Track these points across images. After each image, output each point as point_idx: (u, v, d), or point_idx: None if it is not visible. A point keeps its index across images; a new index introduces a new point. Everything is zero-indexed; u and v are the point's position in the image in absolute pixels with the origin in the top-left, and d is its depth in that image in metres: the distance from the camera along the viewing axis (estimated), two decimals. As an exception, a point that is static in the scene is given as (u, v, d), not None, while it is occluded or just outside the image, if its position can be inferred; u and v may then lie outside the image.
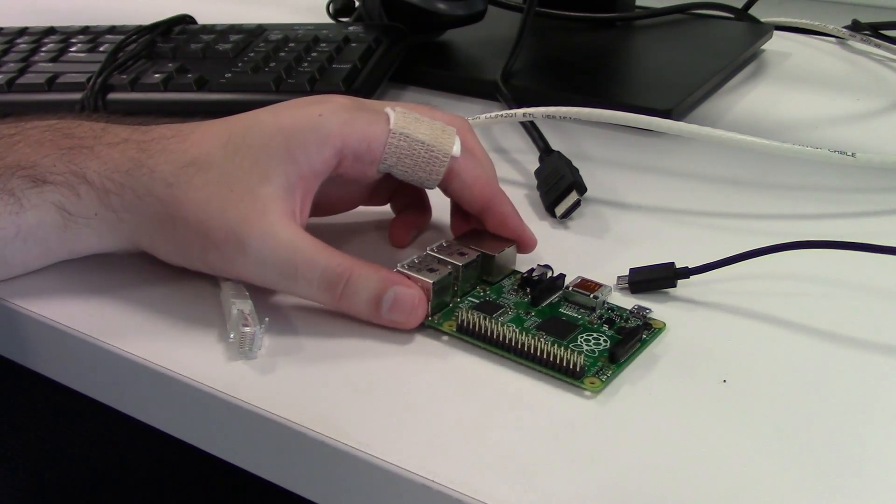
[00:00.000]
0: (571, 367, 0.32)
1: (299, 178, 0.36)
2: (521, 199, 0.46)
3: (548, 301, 0.36)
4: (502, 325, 0.34)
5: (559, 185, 0.44)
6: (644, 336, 0.34)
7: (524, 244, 0.39)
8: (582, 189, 0.44)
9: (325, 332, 0.36)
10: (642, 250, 0.41)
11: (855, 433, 0.30)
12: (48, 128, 0.38)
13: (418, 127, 0.37)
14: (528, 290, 0.37)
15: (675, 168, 0.49)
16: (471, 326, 0.34)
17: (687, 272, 0.37)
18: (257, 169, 0.35)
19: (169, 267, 0.40)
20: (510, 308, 0.36)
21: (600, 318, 0.35)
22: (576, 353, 0.32)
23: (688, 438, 0.30)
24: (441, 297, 0.36)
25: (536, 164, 0.47)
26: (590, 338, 0.34)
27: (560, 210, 0.44)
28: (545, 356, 0.33)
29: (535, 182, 0.47)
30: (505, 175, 0.49)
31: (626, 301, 0.37)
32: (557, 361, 0.32)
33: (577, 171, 0.45)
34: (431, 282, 0.35)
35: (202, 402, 0.33)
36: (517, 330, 0.34)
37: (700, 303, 0.37)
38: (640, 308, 0.36)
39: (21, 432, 0.61)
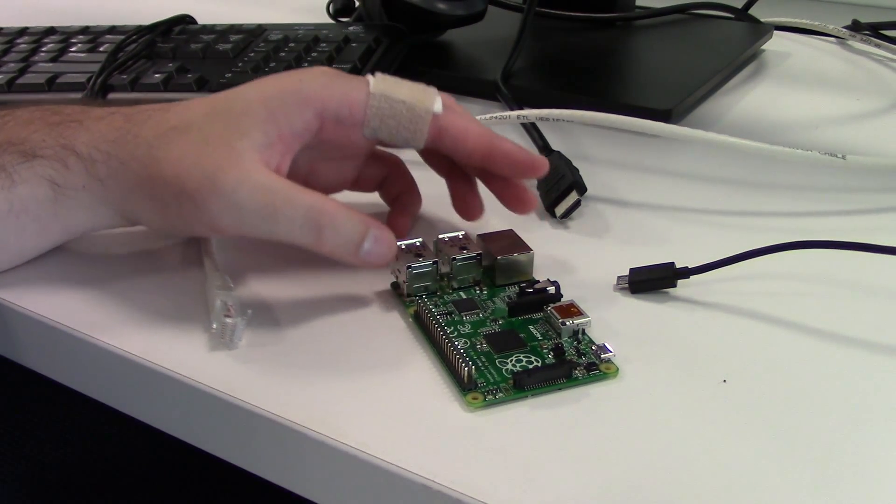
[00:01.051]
0: (460, 376, 0.32)
1: (278, 137, 0.36)
2: (521, 199, 0.46)
3: (526, 315, 0.36)
4: (444, 324, 0.35)
5: (559, 185, 0.44)
6: (578, 375, 0.33)
7: (536, 170, 0.39)
8: (582, 189, 0.44)
9: (324, 331, 0.36)
10: (642, 250, 0.41)
11: (855, 433, 0.30)
12: (37, 108, 0.39)
13: (398, 88, 0.38)
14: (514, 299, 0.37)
15: (676, 168, 0.49)
16: (421, 317, 0.35)
17: (687, 272, 0.37)
18: (237, 126, 0.36)
19: (161, 263, 0.40)
20: (483, 312, 0.36)
21: (555, 345, 0.34)
22: (465, 367, 0.32)
23: (688, 438, 0.30)
24: (420, 282, 0.37)
25: (536, 164, 0.47)
26: (524, 359, 0.34)
27: (560, 210, 0.44)
28: (448, 360, 0.33)
29: (534, 182, 0.47)
30: (505, 175, 0.49)
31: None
32: (455, 368, 0.33)
33: (577, 171, 0.45)
34: (406, 265, 0.37)
35: (201, 401, 0.33)
36: (451, 331, 0.35)
37: (700, 303, 0.37)
38: (604, 348, 0.34)
39: (21, 432, 0.61)
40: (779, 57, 0.66)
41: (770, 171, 0.48)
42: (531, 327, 0.35)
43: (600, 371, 0.33)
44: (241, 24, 0.61)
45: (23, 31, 0.63)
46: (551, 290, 0.36)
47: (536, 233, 0.40)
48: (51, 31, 0.63)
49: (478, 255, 0.38)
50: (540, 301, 0.36)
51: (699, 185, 0.47)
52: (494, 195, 0.41)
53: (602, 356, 0.33)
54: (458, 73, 0.61)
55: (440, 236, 0.39)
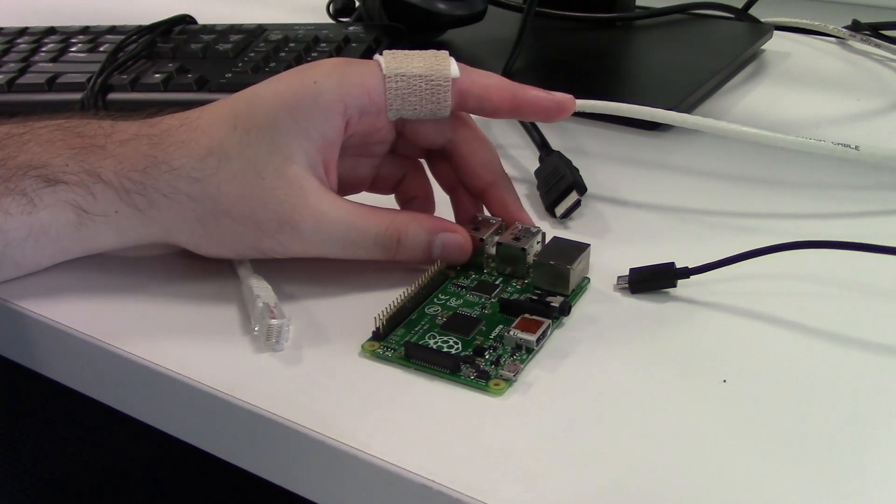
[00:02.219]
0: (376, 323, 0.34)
1: (317, 151, 0.37)
2: (521, 199, 0.46)
3: (514, 317, 0.35)
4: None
5: (559, 185, 0.44)
6: (464, 374, 0.33)
7: (564, 110, 0.40)
8: (582, 189, 0.44)
9: (324, 331, 0.36)
10: (642, 250, 0.41)
11: (855, 433, 0.30)
12: (57, 127, 0.38)
13: (411, 62, 0.38)
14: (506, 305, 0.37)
15: (676, 167, 0.49)
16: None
17: (687, 272, 0.37)
18: (277, 151, 0.36)
19: (169, 266, 0.40)
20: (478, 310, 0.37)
21: (477, 345, 0.34)
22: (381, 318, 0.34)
23: (688, 438, 0.30)
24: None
25: (536, 164, 0.47)
26: (452, 342, 0.34)
27: (560, 210, 0.44)
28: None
29: (535, 182, 0.47)
30: (505, 175, 0.49)
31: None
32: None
33: (577, 170, 0.45)
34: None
35: (202, 402, 0.33)
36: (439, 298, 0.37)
37: (700, 303, 0.37)
38: (512, 367, 0.33)
39: (21, 432, 0.61)
40: (779, 57, 0.66)
41: (770, 170, 0.48)
42: (502, 326, 0.35)
43: (486, 383, 0.32)
44: (241, 24, 0.61)
45: (23, 31, 0.63)
46: (554, 304, 0.36)
47: (536, 233, 0.40)
48: (51, 31, 0.63)
49: (522, 249, 0.38)
50: (530, 309, 0.36)
51: (700, 184, 0.47)
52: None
53: (501, 372, 0.33)
54: (458, 73, 0.61)
55: (516, 224, 0.40)
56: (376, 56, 0.38)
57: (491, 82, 0.39)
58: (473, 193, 0.41)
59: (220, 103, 0.38)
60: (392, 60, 0.38)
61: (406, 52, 0.38)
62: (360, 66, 0.38)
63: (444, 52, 0.39)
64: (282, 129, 0.36)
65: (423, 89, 0.38)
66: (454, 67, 0.38)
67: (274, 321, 0.34)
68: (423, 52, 0.39)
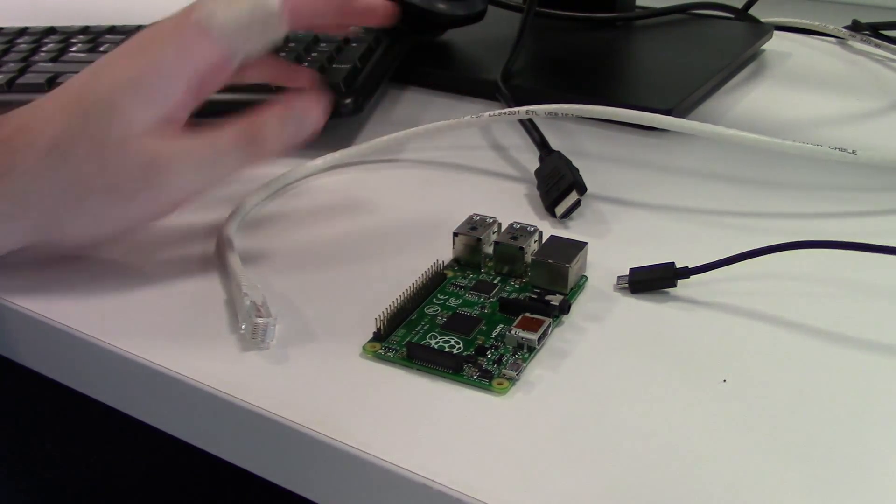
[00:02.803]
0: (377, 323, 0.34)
1: (161, 119, 0.37)
2: (520, 199, 0.46)
3: (514, 316, 0.35)
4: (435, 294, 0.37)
5: (559, 185, 0.44)
6: (467, 374, 0.33)
7: (388, 16, 0.43)
8: (582, 189, 0.44)
9: (324, 331, 0.36)
10: (642, 250, 0.41)
11: (855, 433, 0.30)
12: None
13: (232, 9, 0.38)
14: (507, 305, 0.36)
15: (676, 167, 0.49)
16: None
17: (687, 272, 0.37)
18: (121, 124, 0.37)
19: (166, 265, 0.40)
20: (477, 308, 0.37)
21: (479, 344, 0.34)
22: (383, 318, 0.34)
23: (688, 438, 0.30)
24: (466, 255, 0.39)
25: (536, 164, 0.47)
26: (453, 342, 0.34)
27: (560, 210, 0.44)
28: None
29: (535, 182, 0.47)
30: (505, 175, 0.49)
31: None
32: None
33: (577, 170, 0.45)
34: (453, 232, 0.39)
35: (202, 401, 0.33)
36: (438, 298, 0.37)
37: (700, 303, 0.37)
38: (515, 366, 0.33)
39: (21, 432, 0.61)
40: (779, 57, 0.66)
41: (770, 171, 0.48)
42: (503, 325, 0.35)
43: (489, 383, 0.32)
44: (241, 24, 0.61)
45: (23, 31, 0.63)
46: (554, 303, 0.36)
47: (536, 233, 0.40)
48: (51, 31, 0.63)
49: (520, 248, 0.38)
50: (531, 308, 0.36)
51: (700, 184, 0.47)
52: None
53: (504, 372, 0.33)
54: (458, 73, 0.61)
55: (513, 223, 0.40)
56: (197, 18, 0.38)
57: None
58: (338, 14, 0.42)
59: (61, 89, 0.39)
60: (225, 23, 0.38)
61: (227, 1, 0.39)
62: (195, 33, 0.38)
63: None
64: (124, 106, 0.37)
65: (257, 31, 0.39)
66: None
67: (260, 319, 0.34)
68: None
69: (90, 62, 0.56)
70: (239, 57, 0.39)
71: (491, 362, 0.33)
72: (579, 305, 0.37)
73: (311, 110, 0.39)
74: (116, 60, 0.39)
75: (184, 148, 0.37)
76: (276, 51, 0.56)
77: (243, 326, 0.35)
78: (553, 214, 0.44)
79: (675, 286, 0.38)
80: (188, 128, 0.39)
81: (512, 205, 0.45)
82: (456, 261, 0.40)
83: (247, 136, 0.38)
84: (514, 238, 0.39)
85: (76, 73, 0.54)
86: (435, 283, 0.38)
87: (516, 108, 0.49)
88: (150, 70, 0.38)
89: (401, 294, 0.36)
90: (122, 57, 0.39)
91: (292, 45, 0.57)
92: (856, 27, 0.68)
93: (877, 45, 0.66)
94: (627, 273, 0.38)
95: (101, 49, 0.58)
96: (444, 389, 0.33)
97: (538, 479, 0.28)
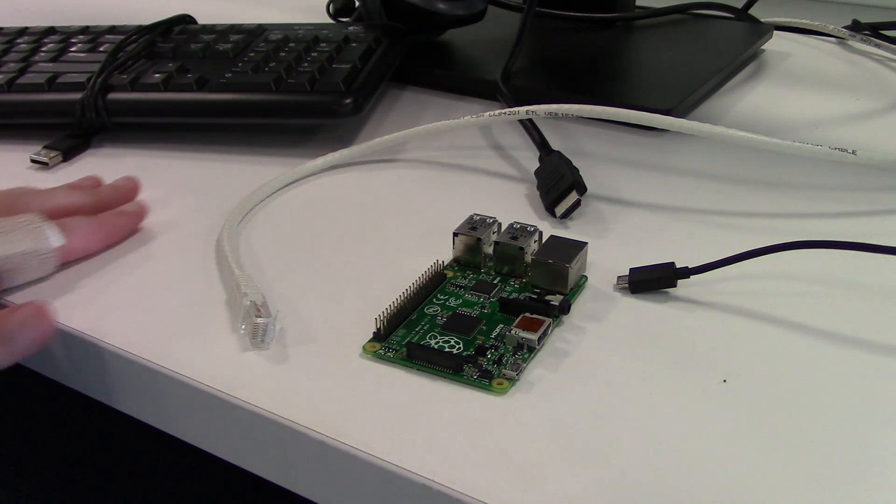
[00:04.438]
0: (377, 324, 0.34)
1: None
2: (520, 199, 0.46)
3: (514, 316, 0.35)
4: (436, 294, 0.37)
5: (559, 185, 0.44)
6: (467, 373, 0.33)
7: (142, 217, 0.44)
8: (582, 189, 0.44)
9: (324, 331, 0.36)
10: (642, 250, 0.41)
11: (855, 433, 0.30)
12: None
13: (14, 240, 0.38)
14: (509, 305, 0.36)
15: (676, 167, 0.49)
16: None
17: (687, 272, 0.37)
18: None
19: (166, 265, 0.40)
20: (477, 309, 0.36)
21: (479, 344, 0.34)
22: (383, 318, 0.34)
23: (688, 438, 0.30)
24: (466, 255, 0.39)
25: (536, 164, 0.47)
26: (453, 342, 0.34)
27: (560, 210, 0.44)
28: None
29: (535, 182, 0.47)
30: (505, 174, 0.49)
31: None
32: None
33: (577, 170, 0.45)
34: (452, 231, 0.39)
35: (203, 402, 0.33)
36: (438, 298, 0.37)
37: (700, 303, 0.37)
38: (515, 366, 0.33)
39: (21, 432, 0.61)
40: (779, 57, 0.66)
41: (770, 171, 0.48)
42: (503, 325, 0.35)
43: (489, 383, 0.32)
44: (241, 24, 0.61)
45: (23, 31, 0.63)
46: (554, 303, 0.36)
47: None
48: (51, 31, 0.63)
49: (520, 248, 0.38)
50: (531, 308, 0.36)
51: (700, 184, 0.47)
52: None
53: (504, 372, 0.33)
54: (458, 73, 0.61)
55: (513, 223, 0.40)
56: None
57: (83, 235, 0.41)
58: None
59: None
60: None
61: (2, 224, 0.38)
62: None
63: (38, 219, 0.39)
64: None
65: (31, 264, 0.38)
66: (55, 236, 0.39)
67: (260, 319, 0.34)
68: (20, 221, 0.39)
69: (90, 62, 0.56)
70: (3, 287, 0.38)
71: (491, 362, 0.33)
72: (579, 305, 0.37)
73: (26, 325, 0.36)
74: None
75: None
76: (276, 50, 0.56)
77: (243, 326, 0.35)
78: (553, 214, 0.44)
79: (675, 286, 0.38)
80: None
81: (512, 205, 0.45)
82: (456, 261, 0.40)
83: None
84: (514, 238, 0.39)
85: (76, 72, 0.55)
86: (435, 283, 0.38)
87: (516, 108, 0.49)
88: None
89: (401, 294, 0.36)
90: None
91: (292, 45, 0.57)
92: (856, 27, 0.68)
93: (877, 45, 0.66)
94: (627, 273, 0.38)
95: (101, 49, 0.58)
96: (444, 389, 0.33)
97: (538, 479, 0.28)
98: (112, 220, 0.43)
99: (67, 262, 0.40)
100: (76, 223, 0.41)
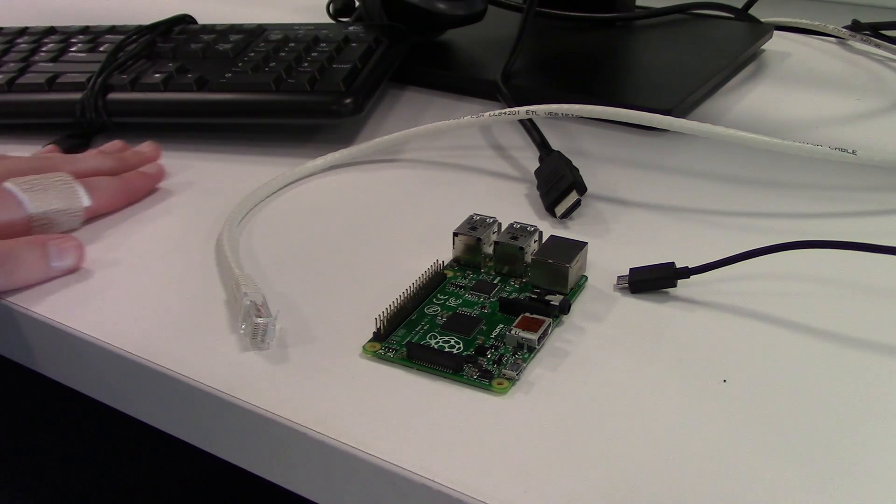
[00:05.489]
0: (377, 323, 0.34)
1: None
2: (520, 199, 0.46)
3: (514, 316, 0.35)
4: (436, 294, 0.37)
5: (559, 185, 0.44)
6: (467, 374, 0.33)
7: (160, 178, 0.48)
8: (582, 189, 0.44)
9: (324, 331, 0.36)
10: (642, 250, 0.41)
11: (855, 433, 0.30)
12: None
13: (48, 197, 0.41)
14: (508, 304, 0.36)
15: (676, 167, 0.49)
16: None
17: (687, 272, 0.37)
18: None
19: (166, 265, 0.40)
20: (478, 308, 0.36)
21: (479, 344, 0.34)
22: (383, 318, 0.34)
23: (688, 438, 0.30)
24: (466, 255, 0.39)
25: (536, 164, 0.47)
26: (453, 342, 0.34)
27: (560, 210, 0.44)
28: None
29: (535, 182, 0.47)
30: (505, 174, 0.49)
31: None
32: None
33: (577, 170, 0.45)
34: (453, 232, 0.40)
35: (202, 402, 0.33)
36: (438, 298, 0.37)
37: (700, 303, 0.37)
38: (515, 366, 0.33)
39: (21, 432, 0.61)
40: (779, 57, 0.66)
41: (770, 171, 0.48)
42: (503, 325, 0.35)
43: (489, 383, 0.32)
44: (241, 24, 0.61)
45: (23, 31, 0.63)
46: (554, 303, 0.36)
47: (536, 233, 0.40)
48: (51, 31, 0.63)
49: (520, 248, 0.38)
50: (531, 308, 0.36)
51: (700, 184, 0.47)
52: None
53: (504, 372, 0.33)
54: (458, 73, 0.61)
55: (513, 223, 0.40)
56: (9, 187, 0.41)
57: (114, 201, 0.45)
58: None
59: None
60: (34, 199, 0.41)
61: (41, 179, 0.42)
62: (6, 199, 0.41)
63: (70, 179, 0.43)
64: None
65: (62, 220, 0.42)
66: (85, 197, 0.43)
67: (260, 319, 0.34)
68: (53, 180, 0.42)
69: (90, 62, 0.56)
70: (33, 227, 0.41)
71: (491, 362, 0.33)
72: (579, 305, 0.37)
73: (67, 250, 0.40)
74: None
75: None
76: (276, 50, 0.56)
77: (243, 326, 0.35)
78: (553, 214, 0.44)
79: (675, 286, 0.38)
80: None
81: (512, 205, 0.45)
82: (456, 261, 0.40)
83: (2, 252, 0.38)
84: (514, 238, 0.39)
85: (76, 72, 0.55)
86: (435, 283, 0.38)
87: (516, 108, 0.49)
88: None
89: (401, 294, 0.36)
90: None
91: (292, 45, 0.57)
92: (856, 27, 0.68)
93: (877, 45, 0.66)
94: (627, 273, 0.38)
95: (101, 49, 0.58)
96: (444, 389, 0.33)
97: (538, 479, 0.28)
98: (133, 180, 0.46)
99: (91, 219, 0.44)
100: (101, 183, 0.45)
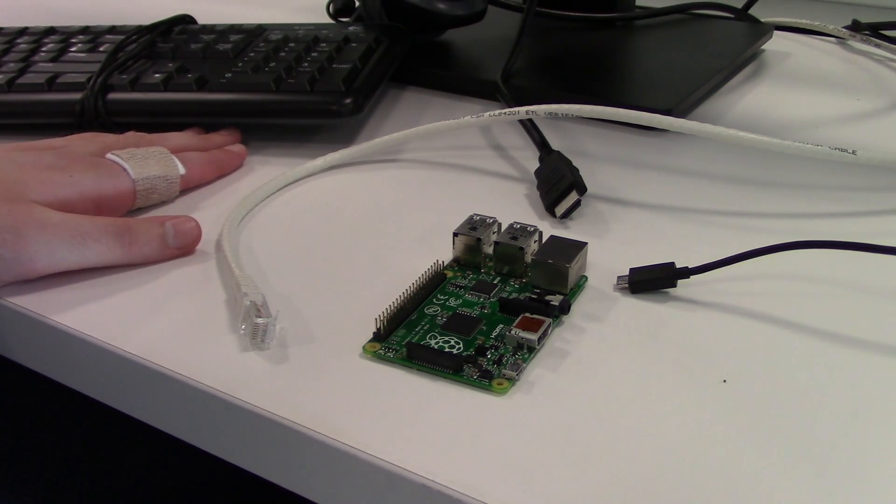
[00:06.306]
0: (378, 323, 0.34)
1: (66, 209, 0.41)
2: (520, 199, 0.46)
3: (514, 316, 0.35)
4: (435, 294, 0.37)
5: (559, 185, 0.44)
6: (467, 374, 0.33)
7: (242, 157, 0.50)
8: (582, 189, 0.44)
9: (324, 331, 0.36)
10: (642, 250, 0.41)
11: (855, 433, 0.30)
12: None
13: (149, 164, 0.45)
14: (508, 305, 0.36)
15: (676, 167, 0.49)
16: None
17: (687, 272, 0.37)
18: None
19: (166, 265, 0.40)
20: (478, 308, 0.36)
21: (479, 344, 0.34)
22: (383, 317, 0.34)
23: (688, 438, 0.30)
24: (466, 255, 0.39)
25: (536, 164, 0.47)
26: (453, 342, 0.34)
27: (560, 210, 0.44)
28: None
29: (535, 182, 0.47)
30: (505, 174, 0.49)
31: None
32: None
33: (577, 170, 0.45)
34: (453, 232, 0.39)
35: (203, 402, 0.33)
36: (438, 298, 0.37)
37: (700, 303, 0.37)
38: (514, 366, 0.33)
39: (21, 432, 0.61)
40: (779, 57, 0.66)
41: (770, 171, 0.48)
42: (503, 325, 0.35)
43: (489, 383, 0.32)
44: (241, 24, 0.61)
45: (23, 31, 0.63)
46: (554, 303, 0.36)
47: (536, 233, 0.40)
48: (51, 31, 0.63)
49: (520, 248, 0.38)
50: (530, 308, 0.36)
51: (700, 184, 0.47)
52: None
53: (504, 372, 0.33)
54: (458, 73, 0.61)
55: (513, 223, 0.40)
56: (112, 157, 0.44)
57: (204, 170, 0.48)
58: None
59: None
60: (137, 165, 0.44)
61: (142, 151, 0.45)
62: (110, 168, 0.43)
63: (166, 151, 0.46)
64: (27, 185, 0.40)
65: (161, 187, 0.45)
66: (180, 166, 0.46)
67: (260, 320, 0.34)
68: (152, 151, 0.45)
69: (90, 62, 0.56)
70: (137, 206, 0.44)
71: (491, 362, 0.33)
72: (579, 305, 0.37)
73: (185, 232, 0.41)
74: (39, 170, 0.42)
75: (53, 221, 0.39)
76: (276, 50, 0.56)
77: (243, 326, 0.35)
78: (553, 214, 0.44)
79: (675, 286, 0.38)
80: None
81: (512, 205, 0.45)
82: (456, 261, 0.40)
83: (117, 227, 0.40)
84: (514, 238, 0.39)
85: (76, 72, 0.55)
86: (435, 283, 0.38)
87: (516, 108, 0.49)
88: (66, 183, 0.41)
89: (401, 294, 0.36)
90: (45, 168, 0.42)
91: (292, 45, 0.57)
92: (856, 27, 0.68)
93: (877, 45, 0.66)
94: (627, 273, 0.38)
95: (101, 49, 0.58)
96: (444, 389, 0.33)
97: (538, 479, 0.28)
98: (221, 156, 0.49)
99: (186, 189, 0.47)
100: (192, 157, 0.48)
